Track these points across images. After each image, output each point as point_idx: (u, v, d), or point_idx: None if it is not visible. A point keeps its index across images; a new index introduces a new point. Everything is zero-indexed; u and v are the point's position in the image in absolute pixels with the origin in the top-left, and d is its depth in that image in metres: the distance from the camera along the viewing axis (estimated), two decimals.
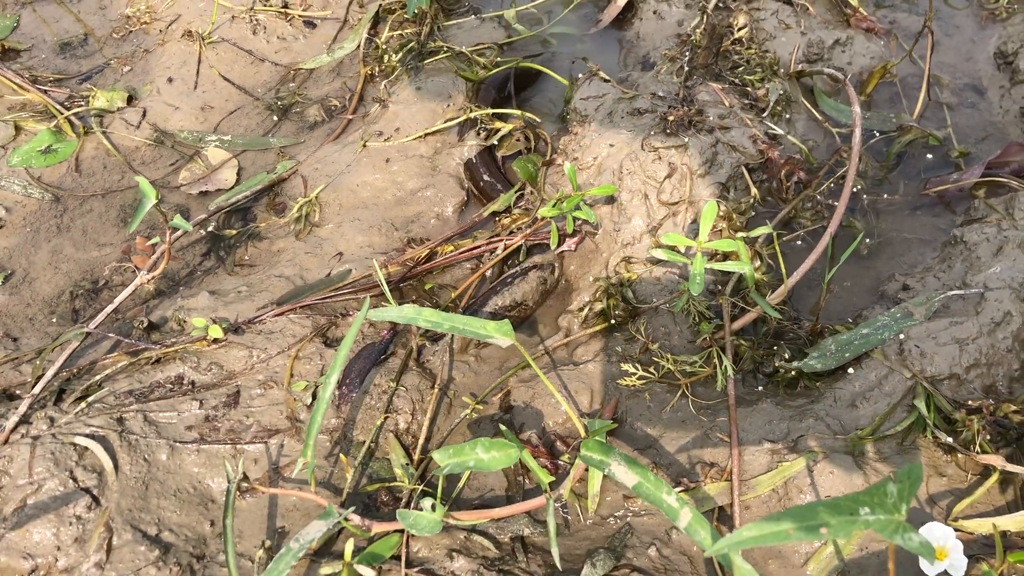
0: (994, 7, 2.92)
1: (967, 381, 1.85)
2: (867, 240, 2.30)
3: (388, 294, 1.95)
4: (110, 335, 2.07)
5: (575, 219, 2.22)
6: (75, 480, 1.77)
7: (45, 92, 2.81)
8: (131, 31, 3.10)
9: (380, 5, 3.05)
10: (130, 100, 2.82)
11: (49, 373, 1.97)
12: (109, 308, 2.10)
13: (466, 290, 2.24)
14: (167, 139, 2.72)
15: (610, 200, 2.27)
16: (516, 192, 2.41)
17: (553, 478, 1.65)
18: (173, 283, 2.35)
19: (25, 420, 1.88)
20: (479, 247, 2.29)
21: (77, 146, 2.68)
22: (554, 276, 2.24)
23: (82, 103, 2.79)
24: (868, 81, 2.66)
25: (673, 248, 2.05)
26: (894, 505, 1.14)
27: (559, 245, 2.24)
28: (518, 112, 2.59)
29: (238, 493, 1.82)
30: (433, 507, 1.63)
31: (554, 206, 2.19)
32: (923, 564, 1.56)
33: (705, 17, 2.71)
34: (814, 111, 2.61)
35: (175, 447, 1.86)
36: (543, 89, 2.86)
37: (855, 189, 2.38)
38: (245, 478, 1.80)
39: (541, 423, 1.95)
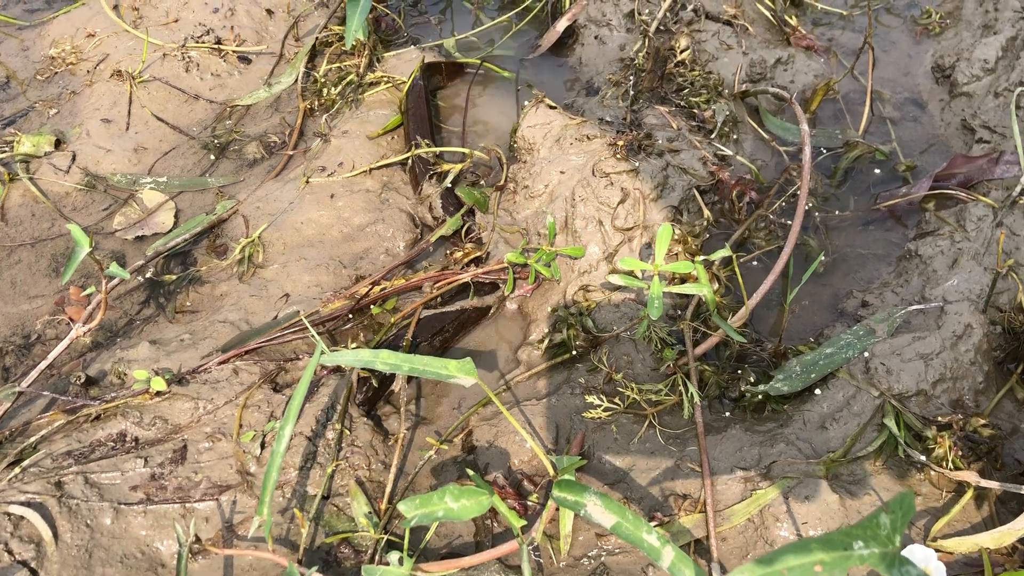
0: (927, 23, 2.96)
1: (934, 396, 1.84)
2: (822, 257, 2.29)
3: (320, 342, 1.83)
4: (45, 393, 1.95)
5: (537, 272, 2.18)
6: (10, 553, 1.65)
7: None
8: (56, 72, 2.97)
9: (316, 38, 2.98)
10: (58, 144, 2.70)
11: None
12: (43, 364, 1.98)
13: (407, 316, 2.17)
14: (99, 183, 2.60)
15: (564, 228, 2.22)
16: (464, 213, 2.36)
17: (524, 521, 1.58)
18: (111, 334, 2.23)
19: None
20: (428, 278, 2.22)
21: (2, 194, 2.55)
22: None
23: (6, 149, 2.66)
24: (812, 99, 2.66)
25: (630, 273, 2.01)
26: (888, 537, 1.09)
27: (512, 291, 2.19)
28: (466, 150, 2.53)
29: (190, 556, 1.71)
30: (400, 560, 1.55)
31: (521, 253, 2.14)
32: None
33: (647, 40, 2.70)
34: (760, 131, 2.61)
35: (120, 510, 1.75)
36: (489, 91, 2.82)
37: (807, 207, 2.37)
38: (197, 539, 1.70)
39: (506, 462, 1.88)
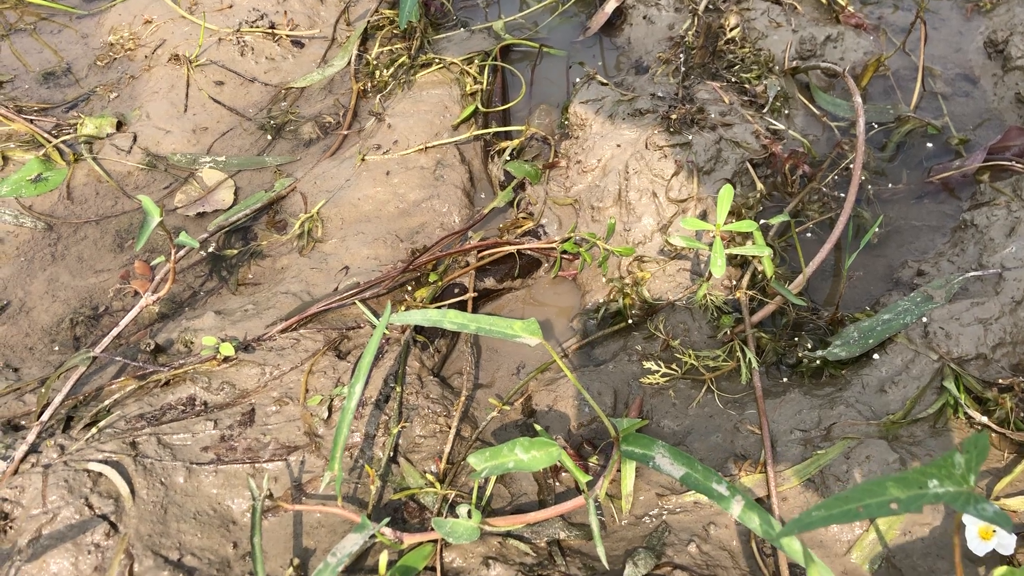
0: None
1: (994, 360, 1.84)
2: (878, 225, 2.30)
3: (368, 313, 1.87)
4: (117, 358, 2.01)
5: (582, 259, 2.24)
6: (91, 507, 1.70)
7: (31, 122, 2.75)
8: (115, 58, 3.05)
9: (368, 22, 3.03)
10: (119, 126, 2.77)
11: (56, 400, 1.90)
12: (114, 331, 2.04)
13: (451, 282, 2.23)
14: (160, 162, 2.67)
15: (617, 200, 2.25)
16: (516, 187, 2.42)
17: (589, 477, 1.61)
18: (176, 305, 2.29)
19: (34, 449, 1.81)
20: (475, 247, 2.26)
21: (68, 173, 2.62)
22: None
23: (70, 131, 2.74)
24: (863, 75, 2.66)
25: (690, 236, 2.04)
26: (962, 476, 1.11)
27: (559, 271, 2.27)
28: (523, 128, 2.58)
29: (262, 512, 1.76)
30: (469, 514, 1.58)
31: (574, 243, 2.20)
32: (971, 544, 1.53)
33: (696, 19, 2.72)
34: (811, 106, 2.62)
35: (192, 469, 1.80)
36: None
37: (860, 179, 2.37)
38: (269, 496, 1.75)
39: (566, 426, 1.91)
